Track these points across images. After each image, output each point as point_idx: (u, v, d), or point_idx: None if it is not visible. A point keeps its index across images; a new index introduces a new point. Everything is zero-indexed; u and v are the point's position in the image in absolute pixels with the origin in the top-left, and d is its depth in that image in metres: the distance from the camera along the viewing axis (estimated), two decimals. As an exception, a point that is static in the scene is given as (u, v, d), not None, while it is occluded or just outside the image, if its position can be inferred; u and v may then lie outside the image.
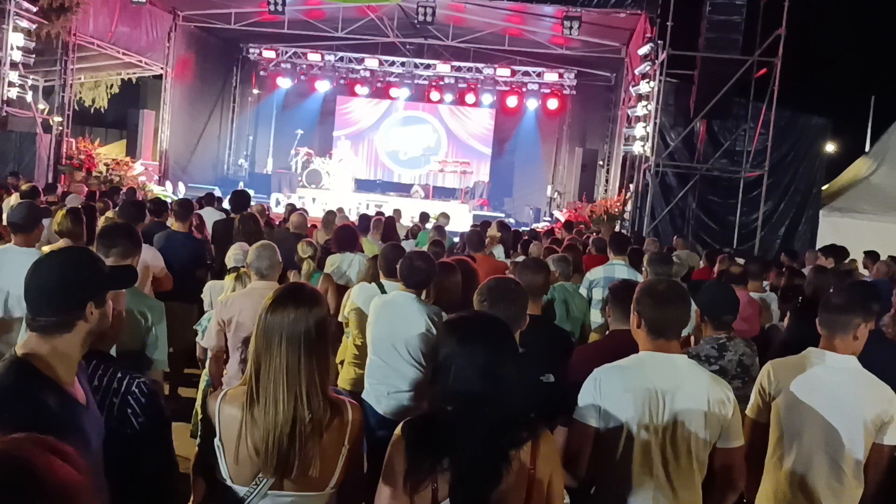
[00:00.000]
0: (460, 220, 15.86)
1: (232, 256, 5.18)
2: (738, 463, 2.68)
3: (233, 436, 2.13)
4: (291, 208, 10.01)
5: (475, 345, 2.07)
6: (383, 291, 4.47)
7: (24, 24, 13.30)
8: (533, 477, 2.04)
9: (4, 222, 5.23)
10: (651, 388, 2.60)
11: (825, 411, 2.95)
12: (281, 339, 2.11)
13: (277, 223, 9.61)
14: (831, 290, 3.15)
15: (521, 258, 7.58)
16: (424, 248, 6.04)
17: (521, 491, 2.03)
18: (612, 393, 2.62)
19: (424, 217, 11.36)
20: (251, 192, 11.49)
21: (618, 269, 6.18)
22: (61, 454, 1.08)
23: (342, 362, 4.77)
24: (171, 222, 6.85)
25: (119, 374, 2.21)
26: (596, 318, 5.69)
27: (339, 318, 4.93)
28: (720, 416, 2.60)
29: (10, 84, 13.27)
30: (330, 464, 2.15)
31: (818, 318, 3.07)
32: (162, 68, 17.98)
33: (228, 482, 2.14)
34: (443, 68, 20.42)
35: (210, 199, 10.20)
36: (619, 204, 15.53)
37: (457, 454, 1.98)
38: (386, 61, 20.50)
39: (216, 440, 2.15)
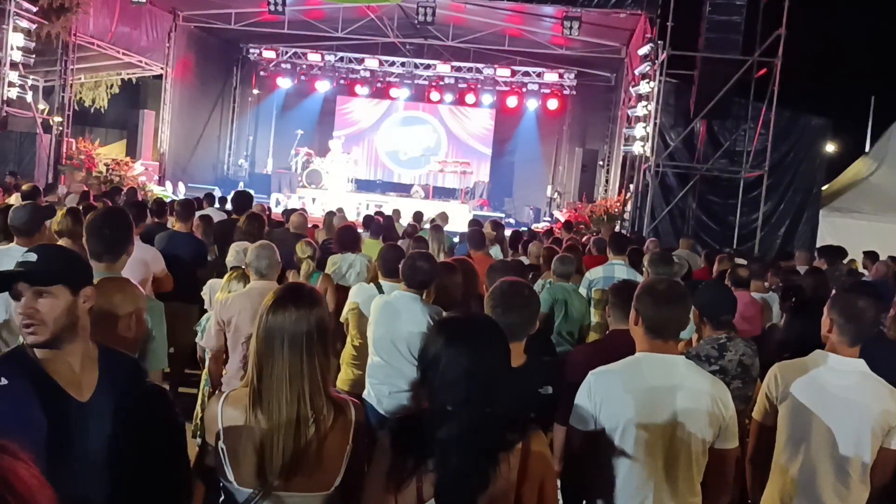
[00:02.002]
0: (461, 220, 15.83)
1: (232, 256, 5.17)
2: (730, 464, 2.67)
3: (236, 438, 2.12)
4: (291, 212, 9.99)
5: (462, 345, 2.05)
6: (381, 292, 4.48)
7: (24, 24, 13.30)
8: (523, 478, 2.02)
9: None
10: (651, 388, 2.59)
11: (832, 414, 2.92)
12: (283, 339, 2.11)
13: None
14: (858, 301, 2.98)
15: (522, 258, 7.60)
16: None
17: (511, 493, 2.01)
18: (611, 395, 2.60)
19: (419, 216, 11.33)
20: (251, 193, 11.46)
21: (617, 268, 6.19)
22: (21, 458, 1.08)
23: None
24: (173, 223, 6.85)
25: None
26: (595, 317, 5.69)
27: (341, 319, 4.93)
28: (719, 416, 2.60)
29: (10, 84, 13.27)
30: (334, 464, 2.15)
31: (839, 326, 2.97)
32: (162, 68, 17.98)
33: (233, 485, 2.13)
34: (443, 68, 20.43)
35: (211, 200, 10.20)
36: (619, 204, 15.52)
37: (442, 454, 1.97)
38: (386, 61, 20.50)
39: (219, 443, 2.13)
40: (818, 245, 12.76)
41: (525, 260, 7.43)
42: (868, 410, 2.89)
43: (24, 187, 8.39)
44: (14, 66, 13.24)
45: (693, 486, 2.63)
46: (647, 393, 2.59)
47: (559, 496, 2.84)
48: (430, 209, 12.80)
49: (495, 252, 7.69)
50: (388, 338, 4.00)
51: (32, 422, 1.87)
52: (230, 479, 2.12)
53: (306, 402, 2.10)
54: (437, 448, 1.97)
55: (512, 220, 18.44)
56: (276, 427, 2.08)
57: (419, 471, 1.98)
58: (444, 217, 10.13)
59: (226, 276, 4.91)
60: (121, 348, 2.36)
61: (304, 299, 2.18)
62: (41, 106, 14.73)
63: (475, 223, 8.99)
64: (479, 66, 20.20)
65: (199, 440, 4.17)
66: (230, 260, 5.33)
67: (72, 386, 2.00)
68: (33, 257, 1.99)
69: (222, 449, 2.12)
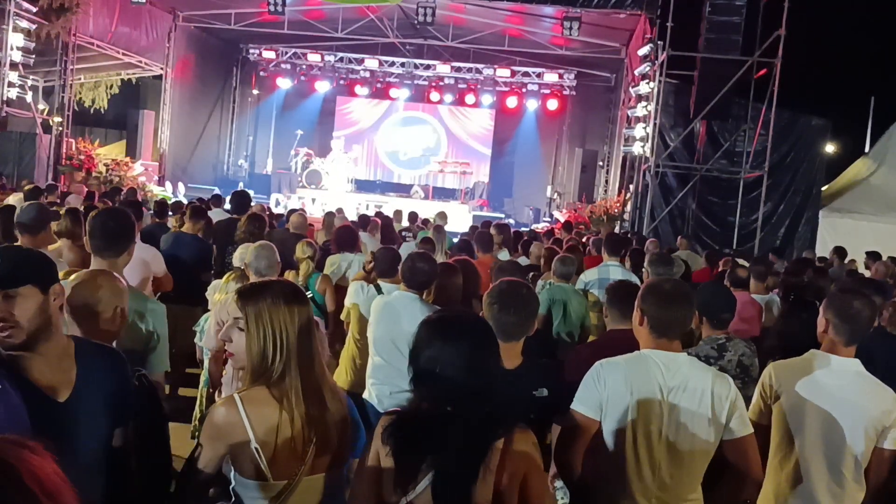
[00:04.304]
0: (461, 221, 15.85)
1: (238, 257, 5.17)
2: (751, 452, 2.61)
3: (270, 437, 2.12)
4: (291, 213, 10.02)
5: (453, 344, 2.08)
6: (380, 292, 4.48)
7: (24, 24, 13.30)
8: (501, 476, 2.01)
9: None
10: (654, 385, 2.59)
11: (826, 414, 2.92)
12: (301, 332, 2.20)
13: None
14: (854, 302, 2.96)
15: (522, 258, 7.59)
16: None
17: (490, 491, 2.01)
18: (615, 388, 2.60)
19: (413, 217, 11.33)
20: (251, 193, 11.48)
21: (612, 269, 6.12)
22: (42, 454, 1.10)
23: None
24: (173, 223, 6.85)
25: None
26: (592, 320, 5.66)
27: (342, 317, 4.94)
28: (723, 414, 2.59)
29: (10, 84, 13.27)
30: (344, 442, 2.27)
31: (834, 326, 2.96)
32: (162, 68, 17.98)
33: (268, 482, 2.13)
34: (443, 69, 20.43)
35: (217, 201, 10.31)
36: (618, 205, 15.53)
37: (439, 452, 1.98)
38: (386, 62, 20.50)
39: (252, 445, 2.11)
40: (818, 246, 12.79)
41: (524, 260, 7.42)
42: (862, 410, 2.89)
43: (26, 188, 8.40)
44: (14, 66, 13.25)
45: (694, 484, 2.63)
46: (650, 390, 2.59)
47: (566, 492, 2.84)
48: (430, 209, 12.80)
49: (503, 256, 7.67)
50: (389, 338, 4.00)
51: (26, 424, 1.86)
52: (267, 477, 2.13)
53: (330, 386, 2.28)
54: (436, 446, 1.98)
55: (512, 221, 18.43)
56: (315, 413, 2.17)
57: (420, 470, 1.98)
58: (443, 217, 10.14)
59: (225, 277, 4.91)
60: (101, 340, 2.37)
61: (303, 295, 2.31)
62: (41, 106, 14.73)
63: (471, 227, 9.00)
64: (479, 66, 20.20)
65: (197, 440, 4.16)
66: (236, 261, 5.32)
67: (49, 387, 1.99)
68: None
69: (257, 449, 2.12)
